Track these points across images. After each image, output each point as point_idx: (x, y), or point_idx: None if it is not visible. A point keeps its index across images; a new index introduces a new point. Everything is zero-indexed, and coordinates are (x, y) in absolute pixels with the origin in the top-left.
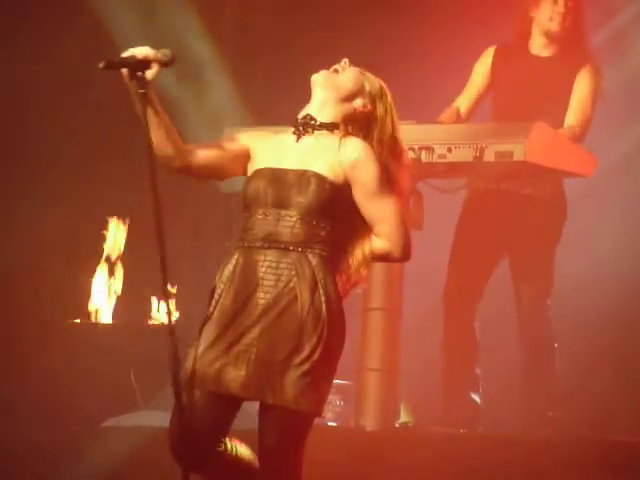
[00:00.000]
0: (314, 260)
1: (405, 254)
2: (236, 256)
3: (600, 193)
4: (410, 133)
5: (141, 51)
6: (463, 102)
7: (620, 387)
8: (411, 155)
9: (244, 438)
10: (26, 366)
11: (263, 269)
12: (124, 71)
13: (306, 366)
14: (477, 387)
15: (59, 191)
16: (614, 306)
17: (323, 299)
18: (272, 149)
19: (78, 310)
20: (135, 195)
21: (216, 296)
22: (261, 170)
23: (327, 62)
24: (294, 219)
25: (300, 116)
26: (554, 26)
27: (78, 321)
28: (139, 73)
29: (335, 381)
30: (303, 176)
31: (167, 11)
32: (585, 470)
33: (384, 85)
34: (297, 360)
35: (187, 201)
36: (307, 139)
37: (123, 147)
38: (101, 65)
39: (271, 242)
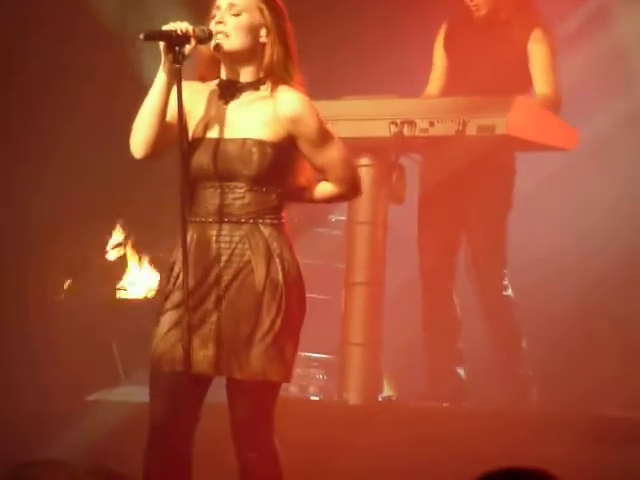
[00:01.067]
0: (266, 230)
1: (357, 192)
2: (190, 232)
3: (578, 169)
4: (392, 107)
5: (181, 26)
6: (433, 89)
7: (596, 359)
8: (393, 129)
9: (214, 412)
10: (7, 339)
11: (217, 244)
12: (162, 44)
13: (269, 338)
14: (461, 361)
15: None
16: (588, 278)
17: (279, 268)
18: (203, 113)
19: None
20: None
21: (174, 273)
22: (198, 142)
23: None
24: (242, 190)
25: (219, 82)
26: (474, 13)
27: (60, 296)
28: (177, 48)
29: (318, 355)
30: (244, 146)
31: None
32: (570, 442)
33: None
34: (260, 333)
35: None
36: (236, 101)
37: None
38: (141, 36)
39: (222, 215)
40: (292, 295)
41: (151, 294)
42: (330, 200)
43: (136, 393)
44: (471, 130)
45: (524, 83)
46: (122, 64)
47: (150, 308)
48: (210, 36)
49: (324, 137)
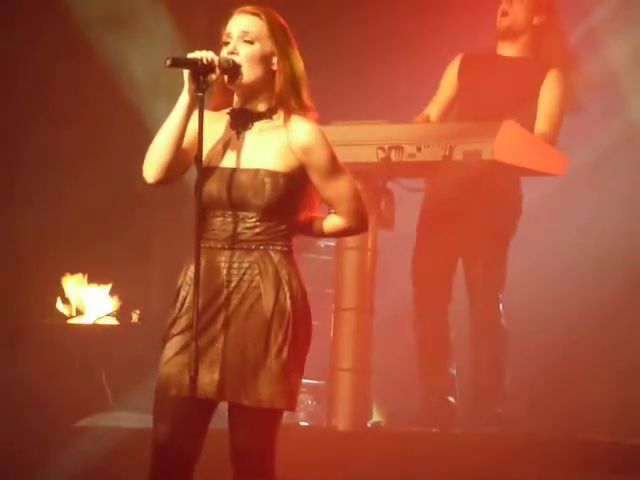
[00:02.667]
0: (276, 257)
1: (364, 227)
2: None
3: (572, 192)
4: (380, 132)
5: (207, 55)
6: (433, 110)
7: (591, 385)
8: (381, 155)
9: (214, 438)
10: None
11: (226, 270)
12: (186, 71)
13: (276, 365)
14: (453, 389)
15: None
16: (583, 303)
17: (287, 295)
18: (215, 142)
19: (49, 310)
20: None
21: (181, 298)
22: (211, 170)
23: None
24: (253, 220)
25: (231, 111)
26: (497, 23)
27: (48, 322)
28: (201, 76)
29: (307, 381)
30: (256, 177)
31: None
32: (559, 467)
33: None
34: (267, 360)
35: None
36: (248, 131)
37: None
38: (168, 62)
39: (233, 243)
40: (299, 322)
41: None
42: (337, 234)
43: (125, 419)
44: (457, 155)
45: (529, 120)
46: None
47: (141, 334)
48: (234, 67)
49: (335, 169)
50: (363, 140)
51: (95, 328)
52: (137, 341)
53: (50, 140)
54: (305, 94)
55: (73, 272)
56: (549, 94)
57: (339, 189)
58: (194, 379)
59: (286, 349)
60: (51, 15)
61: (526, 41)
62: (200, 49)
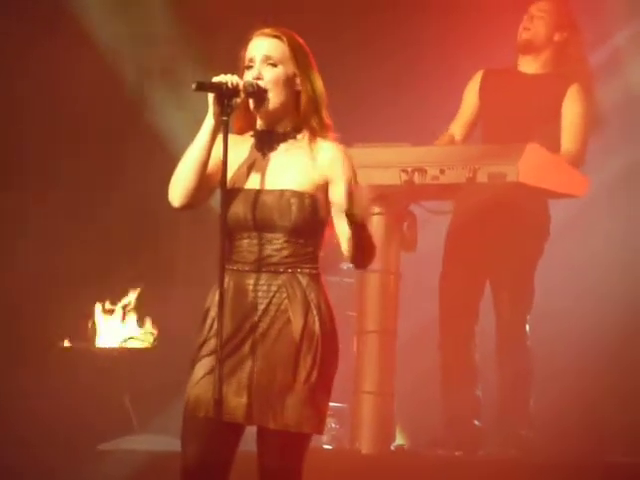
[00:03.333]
0: (304, 280)
1: (365, 265)
2: (227, 279)
3: (593, 213)
4: (403, 155)
5: (232, 79)
6: (456, 129)
7: (611, 407)
8: (404, 177)
9: (242, 461)
10: (25, 389)
11: (254, 293)
12: (211, 95)
13: (304, 389)
14: (478, 412)
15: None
16: (604, 325)
17: (316, 319)
18: (240, 164)
19: (75, 333)
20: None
21: (209, 319)
22: (236, 192)
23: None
24: (280, 241)
25: (255, 133)
26: (520, 36)
27: (70, 345)
28: (226, 100)
29: (330, 404)
30: (282, 198)
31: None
32: None
33: (300, 43)
34: (295, 384)
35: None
36: (273, 152)
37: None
38: (193, 86)
39: (260, 265)
40: (327, 346)
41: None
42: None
43: (149, 442)
44: (482, 177)
45: (553, 135)
46: None
47: (165, 357)
48: (259, 91)
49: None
50: (386, 162)
51: (119, 351)
52: (161, 364)
53: (74, 161)
54: (325, 113)
55: (98, 295)
56: (571, 110)
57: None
58: (219, 402)
59: (315, 373)
60: (70, 30)
61: (547, 57)
62: (223, 72)
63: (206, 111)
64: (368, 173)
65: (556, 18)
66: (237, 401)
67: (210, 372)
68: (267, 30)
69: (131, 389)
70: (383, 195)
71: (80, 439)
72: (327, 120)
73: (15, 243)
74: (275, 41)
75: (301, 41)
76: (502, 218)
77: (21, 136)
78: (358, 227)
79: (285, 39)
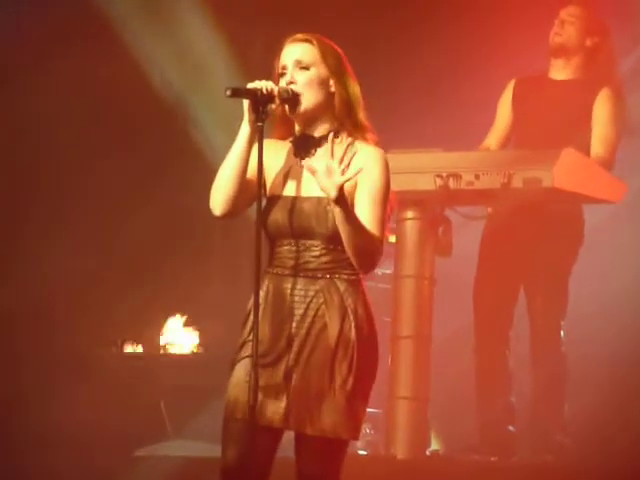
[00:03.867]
0: (342, 286)
1: (367, 270)
2: (266, 282)
3: (623, 217)
4: (438, 160)
5: (267, 85)
6: (492, 141)
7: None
8: (439, 182)
9: (281, 467)
10: (61, 395)
11: (292, 297)
12: (245, 102)
13: (341, 395)
14: (512, 417)
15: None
16: (635, 327)
17: (352, 325)
18: (279, 171)
19: (110, 340)
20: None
21: (250, 322)
22: (275, 199)
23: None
24: (319, 248)
25: (293, 139)
26: (553, 40)
27: (108, 351)
28: (261, 107)
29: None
30: (319, 205)
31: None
32: None
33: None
34: (332, 390)
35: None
36: (311, 158)
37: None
38: (228, 92)
39: (298, 270)
40: (364, 352)
41: (195, 350)
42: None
43: (184, 447)
44: (517, 183)
45: (585, 141)
46: None
47: (195, 363)
48: (294, 96)
49: (380, 196)
50: (421, 168)
51: (155, 357)
52: (196, 370)
53: (110, 167)
54: (362, 115)
55: (133, 301)
56: (601, 114)
57: (366, 214)
58: (253, 407)
59: (351, 379)
60: (102, 39)
61: (578, 63)
62: (258, 79)
63: (242, 119)
64: (403, 178)
65: (587, 23)
66: (275, 406)
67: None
68: (298, 36)
69: (166, 395)
70: (418, 200)
71: (116, 445)
72: (364, 121)
73: (50, 245)
74: (306, 45)
75: (332, 44)
76: (537, 223)
77: (57, 141)
78: (339, 209)
79: (315, 42)
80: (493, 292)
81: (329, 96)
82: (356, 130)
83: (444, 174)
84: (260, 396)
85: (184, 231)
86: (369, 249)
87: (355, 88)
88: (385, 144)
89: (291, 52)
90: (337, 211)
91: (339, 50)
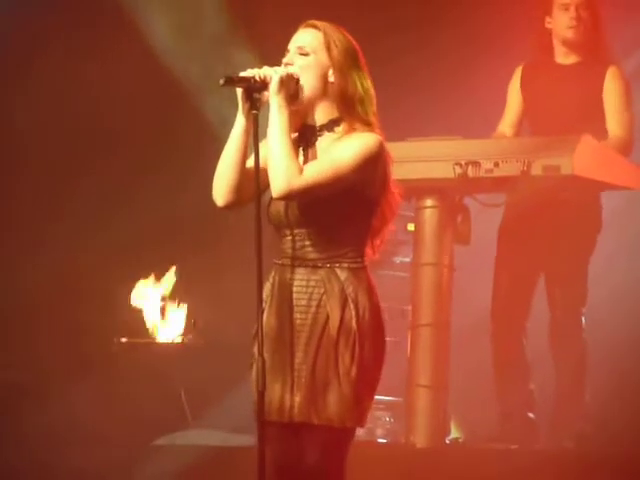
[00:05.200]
0: (343, 275)
1: (277, 195)
2: (273, 274)
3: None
4: (457, 148)
5: (260, 72)
6: (505, 128)
7: None
8: (458, 170)
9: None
10: (78, 383)
11: (295, 288)
12: (239, 90)
13: (346, 384)
14: (532, 404)
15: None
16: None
17: (353, 314)
18: None
19: (128, 329)
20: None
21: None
22: None
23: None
24: (317, 237)
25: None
26: (570, 34)
27: (127, 341)
28: (256, 95)
29: (385, 398)
30: None
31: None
32: None
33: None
34: (336, 380)
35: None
36: (311, 147)
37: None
38: (221, 82)
39: (300, 260)
40: (367, 341)
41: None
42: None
43: (204, 436)
44: (536, 170)
45: (599, 123)
46: None
47: (219, 351)
48: (288, 79)
49: (336, 162)
50: (440, 156)
51: (174, 346)
52: (216, 359)
53: (114, 160)
54: (369, 110)
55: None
56: (613, 94)
57: (311, 165)
58: (262, 394)
59: (354, 368)
60: (115, 31)
61: (584, 46)
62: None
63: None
64: (421, 167)
65: (596, 10)
66: (292, 400)
67: (270, 372)
68: (310, 21)
69: (186, 384)
70: (437, 188)
71: (136, 434)
72: (367, 117)
73: (70, 238)
74: (312, 31)
75: (344, 35)
76: (555, 211)
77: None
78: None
79: (322, 30)
80: (512, 280)
81: (327, 85)
82: (359, 125)
83: (463, 162)
84: (278, 392)
85: (191, 220)
86: (279, 174)
87: (363, 82)
88: (404, 132)
89: (297, 37)
90: (272, 104)
91: (352, 43)
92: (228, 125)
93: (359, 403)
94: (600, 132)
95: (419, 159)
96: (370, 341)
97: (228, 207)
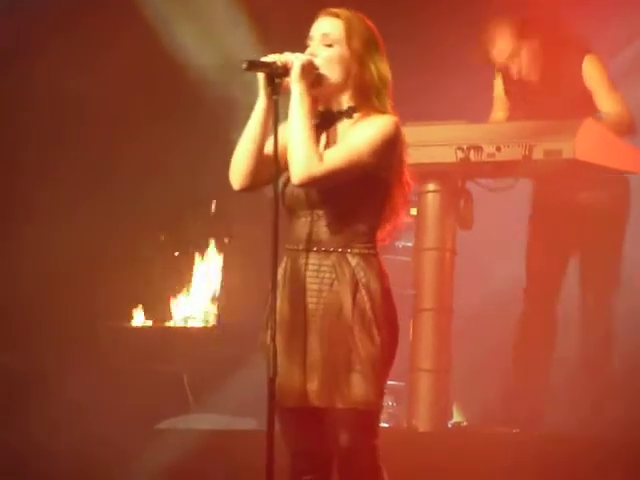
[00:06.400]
0: (354, 260)
1: (296, 181)
2: (285, 259)
3: None
4: (459, 132)
5: (282, 58)
6: (499, 113)
7: None
8: (460, 155)
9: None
10: (80, 368)
11: (307, 273)
12: (261, 75)
13: (368, 368)
14: (545, 385)
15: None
16: None
17: (366, 299)
18: None
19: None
20: None
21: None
22: None
23: None
24: (332, 218)
25: (317, 113)
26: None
27: (131, 325)
28: (277, 80)
29: (387, 382)
30: None
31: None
32: None
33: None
34: (355, 364)
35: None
36: (330, 131)
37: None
38: (244, 66)
39: (311, 244)
40: (381, 324)
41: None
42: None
43: (206, 421)
44: (538, 154)
45: (585, 104)
46: None
47: (222, 336)
48: (310, 67)
49: (355, 148)
50: (442, 140)
51: (177, 330)
52: (219, 343)
53: (128, 147)
54: (386, 99)
55: (151, 275)
56: (595, 73)
57: (331, 151)
58: (273, 380)
59: (375, 352)
60: (124, 21)
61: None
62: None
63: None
64: (424, 151)
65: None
66: (309, 385)
67: (284, 358)
68: (330, 9)
69: (189, 368)
70: (439, 173)
71: (138, 418)
72: (382, 107)
73: (64, 226)
74: (334, 20)
75: (366, 22)
76: (585, 193)
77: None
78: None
79: (344, 19)
80: (544, 262)
81: (348, 76)
82: (375, 110)
83: (465, 146)
84: (295, 378)
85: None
86: (300, 161)
87: (381, 69)
88: (405, 116)
89: (319, 25)
90: (294, 91)
91: (371, 30)
92: (243, 110)
93: (378, 385)
94: (587, 113)
95: (422, 143)
96: (385, 325)
97: (244, 190)
